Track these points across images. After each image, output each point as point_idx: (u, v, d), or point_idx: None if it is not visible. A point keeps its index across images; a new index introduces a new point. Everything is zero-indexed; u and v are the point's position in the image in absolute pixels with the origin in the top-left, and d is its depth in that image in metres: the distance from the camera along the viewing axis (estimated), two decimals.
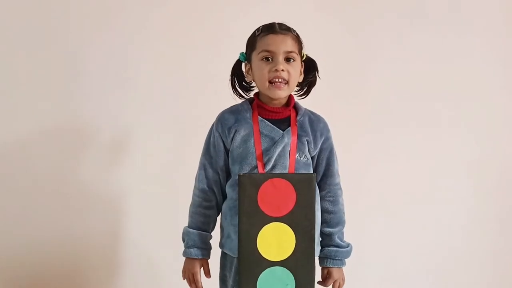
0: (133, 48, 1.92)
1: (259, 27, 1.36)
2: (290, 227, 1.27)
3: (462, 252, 2.16)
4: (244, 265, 1.26)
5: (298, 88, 1.43)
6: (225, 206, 1.39)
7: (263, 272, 1.26)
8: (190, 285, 1.39)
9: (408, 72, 2.10)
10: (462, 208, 2.16)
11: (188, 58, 1.94)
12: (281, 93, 1.33)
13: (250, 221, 1.26)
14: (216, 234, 1.43)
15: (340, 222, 1.40)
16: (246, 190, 1.25)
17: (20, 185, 1.86)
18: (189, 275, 1.37)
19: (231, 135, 1.35)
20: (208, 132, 1.41)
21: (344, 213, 1.42)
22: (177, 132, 1.96)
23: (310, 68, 1.41)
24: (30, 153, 1.87)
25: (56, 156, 1.88)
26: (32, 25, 1.85)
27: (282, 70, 1.30)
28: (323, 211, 1.39)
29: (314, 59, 1.43)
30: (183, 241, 1.40)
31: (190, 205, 1.42)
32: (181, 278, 1.40)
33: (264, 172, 1.30)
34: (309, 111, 1.42)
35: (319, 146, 1.39)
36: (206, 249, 1.39)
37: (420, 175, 2.13)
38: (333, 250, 1.39)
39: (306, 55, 1.40)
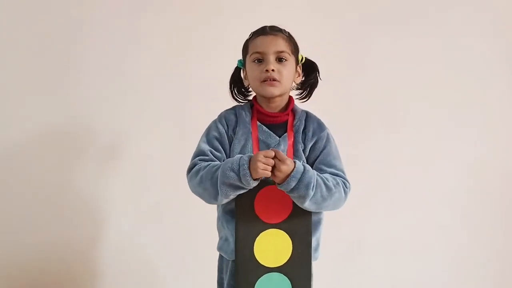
0: (130, 51, 1.87)
1: (252, 32, 1.36)
2: (287, 233, 1.28)
3: (462, 253, 2.15)
4: (241, 272, 1.26)
5: (299, 91, 1.42)
6: (220, 210, 1.37)
7: (260, 279, 1.26)
8: (265, 167, 1.16)
9: (408, 73, 2.07)
10: (462, 209, 2.15)
11: (185, 63, 1.90)
12: (274, 90, 1.29)
13: (247, 228, 1.25)
14: (213, 237, 1.43)
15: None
16: (242, 197, 1.25)
17: (13, 189, 1.83)
18: (260, 163, 1.15)
19: (233, 135, 1.33)
20: (208, 126, 1.35)
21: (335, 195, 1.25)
22: (172, 138, 1.93)
23: (310, 70, 1.41)
24: (25, 157, 1.84)
25: (50, 160, 1.85)
26: (28, 27, 1.80)
27: (273, 70, 1.28)
28: None
29: (314, 61, 1.42)
30: (238, 172, 1.17)
31: (203, 175, 1.22)
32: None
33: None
34: (306, 112, 1.39)
35: (309, 148, 1.33)
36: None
37: (420, 176, 2.11)
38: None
39: (305, 58, 1.39)
